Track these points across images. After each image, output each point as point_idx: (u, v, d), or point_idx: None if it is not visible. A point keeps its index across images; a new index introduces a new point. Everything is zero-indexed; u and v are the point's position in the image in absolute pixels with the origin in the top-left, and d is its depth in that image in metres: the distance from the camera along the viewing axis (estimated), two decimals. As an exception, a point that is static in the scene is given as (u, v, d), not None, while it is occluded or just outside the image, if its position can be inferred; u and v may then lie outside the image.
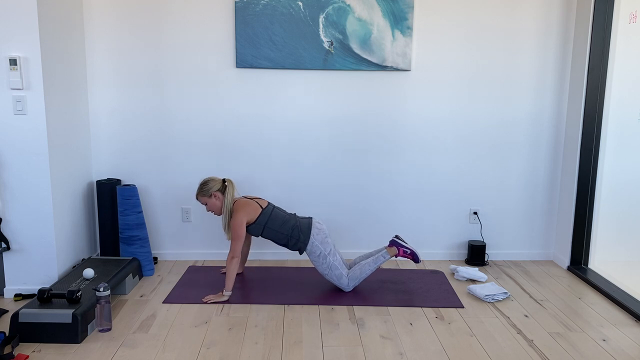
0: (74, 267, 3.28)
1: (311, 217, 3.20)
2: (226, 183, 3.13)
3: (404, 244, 3.22)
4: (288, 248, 3.13)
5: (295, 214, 3.22)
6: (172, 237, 3.80)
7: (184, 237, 3.81)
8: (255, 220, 3.06)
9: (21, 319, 2.52)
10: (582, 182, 3.59)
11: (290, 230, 3.08)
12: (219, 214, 3.15)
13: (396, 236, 3.28)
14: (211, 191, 3.09)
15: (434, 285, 3.34)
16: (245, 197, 3.17)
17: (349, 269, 3.19)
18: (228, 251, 3.79)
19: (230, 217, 3.09)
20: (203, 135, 3.68)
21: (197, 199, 3.18)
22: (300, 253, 3.13)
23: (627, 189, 3.70)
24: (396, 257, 3.23)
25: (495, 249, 3.92)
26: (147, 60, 3.57)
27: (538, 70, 3.69)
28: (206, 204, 3.15)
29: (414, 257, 3.20)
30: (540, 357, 2.45)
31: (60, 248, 3.16)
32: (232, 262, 3.00)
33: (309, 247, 3.08)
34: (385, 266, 3.71)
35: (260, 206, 3.10)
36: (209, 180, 3.12)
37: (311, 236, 3.08)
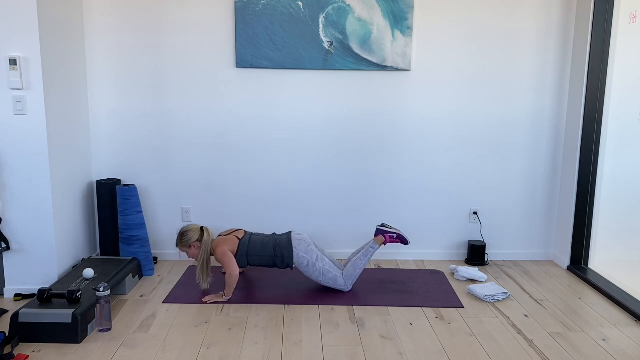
0: (74, 267, 3.28)
1: (290, 232, 3.22)
2: (203, 230, 3.14)
3: (388, 229, 3.22)
4: (278, 267, 3.15)
5: (274, 233, 3.26)
6: (172, 237, 3.80)
7: (184, 237, 3.80)
8: (237, 253, 3.10)
9: (21, 319, 2.52)
10: (582, 182, 3.59)
11: (272, 250, 3.11)
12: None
13: (381, 224, 3.28)
14: (190, 242, 3.11)
15: (434, 285, 3.34)
16: (221, 235, 3.21)
17: (343, 269, 3.19)
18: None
19: (207, 264, 3.11)
20: (203, 135, 3.68)
21: (177, 247, 3.18)
22: (291, 269, 3.17)
23: (627, 189, 3.70)
24: (385, 244, 3.22)
25: (495, 249, 3.92)
26: (147, 60, 3.57)
27: (538, 70, 3.69)
28: (187, 253, 3.17)
29: (402, 240, 3.21)
30: (540, 357, 2.45)
31: (60, 248, 3.16)
32: (231, 277, 3.03)
33: (295, 260, 3.10)
34: (385, 266, 3.71)
35: (238, 237, 3.14)
36: (187, 231, 3.13)
37: (294, 249, 3.10)
